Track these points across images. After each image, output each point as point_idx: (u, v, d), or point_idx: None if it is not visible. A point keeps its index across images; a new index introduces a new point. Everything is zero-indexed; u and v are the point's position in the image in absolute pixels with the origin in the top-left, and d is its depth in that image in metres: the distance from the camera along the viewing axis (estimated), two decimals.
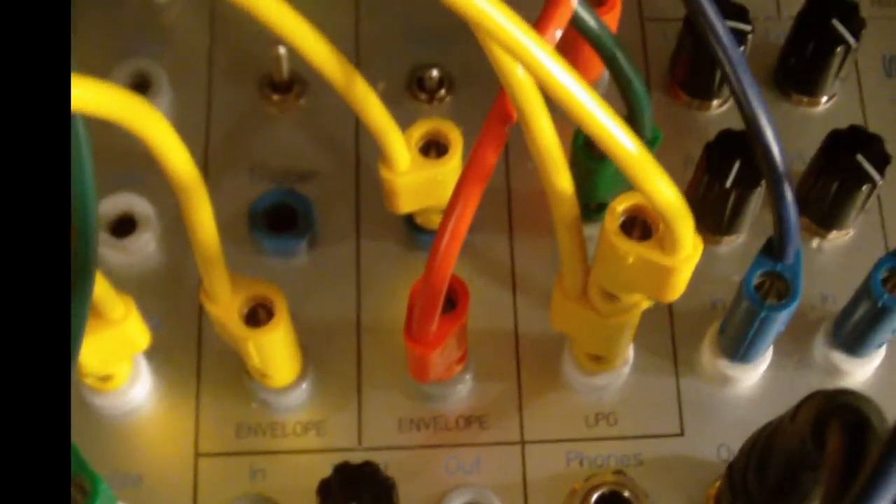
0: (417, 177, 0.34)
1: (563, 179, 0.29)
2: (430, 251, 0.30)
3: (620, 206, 0.30)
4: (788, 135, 0.40)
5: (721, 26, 0.31)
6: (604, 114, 0.26)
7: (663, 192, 0.27)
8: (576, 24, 0.31)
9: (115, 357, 0.35)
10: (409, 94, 0.41)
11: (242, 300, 0.33)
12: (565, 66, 0.25)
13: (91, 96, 0.23)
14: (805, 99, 0.41)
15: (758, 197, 0.36)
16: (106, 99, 0.24)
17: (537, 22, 0.29)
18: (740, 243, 0.39)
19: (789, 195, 0.32)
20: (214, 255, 0.31)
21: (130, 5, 0.42)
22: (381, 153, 0.34)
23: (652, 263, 0.29)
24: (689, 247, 0.29)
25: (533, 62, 0.24)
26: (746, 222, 0.38)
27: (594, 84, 0.40)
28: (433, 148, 0.35)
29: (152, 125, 0.25)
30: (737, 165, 0.36)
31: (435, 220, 0.37)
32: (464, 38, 0.28)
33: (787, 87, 0.41)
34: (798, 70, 0.40)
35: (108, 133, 0.37)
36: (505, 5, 0.23)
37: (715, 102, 0.40)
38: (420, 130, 0.35)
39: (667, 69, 0.41)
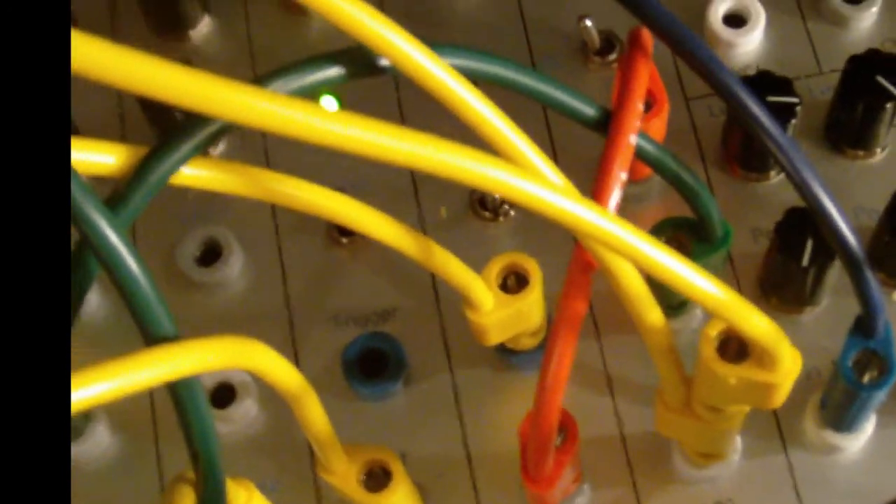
0: (503, 313, 0.35)
1: (653, 316, 0.30)
2: (534, 402, 0.31)
3: (713, 331, 0.30)
4: (848, 190, 0.40)
5: (767, 119, 0.31)
6: (684, 267, 0.26)
7: (757, 324, 0.28)
8: (638, 155, 0.31)
9: None
10: (473, 214, 0.41)
11: (359, 467, 0.34)
12: (633, 230, 0.25)
13: (196, 357, 0.24)
14: (860, 153, 0.41)
15: (836, 269, 0.37)
16: (207, 355, 0.24)
17: (600, 164, 0.30)
18: (824, 307, 0.39)
19: (868, 274, 0.32)
20: (328, 440, 0.32)
21: None
22: (464, 299, 0.34)
23: (754, 381, 0.30)
24: (788, 362, 0.30)
25: (602, 233, 0.25)
26: (828, 290, 0.38)
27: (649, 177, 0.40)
28: (512, 278, 0.36)
29: (254, 357, 0.26)
30: (810, 243, 0.36)
31: (524, 342, 0.38)
32: None
33: (840, 143, 0.41)
34: (849, 127, 0.40)
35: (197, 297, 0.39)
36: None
37: (773, 173, 0.41)
38: (496, 268, 0.35)
39: (719, 144, 0.41)
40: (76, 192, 0.23)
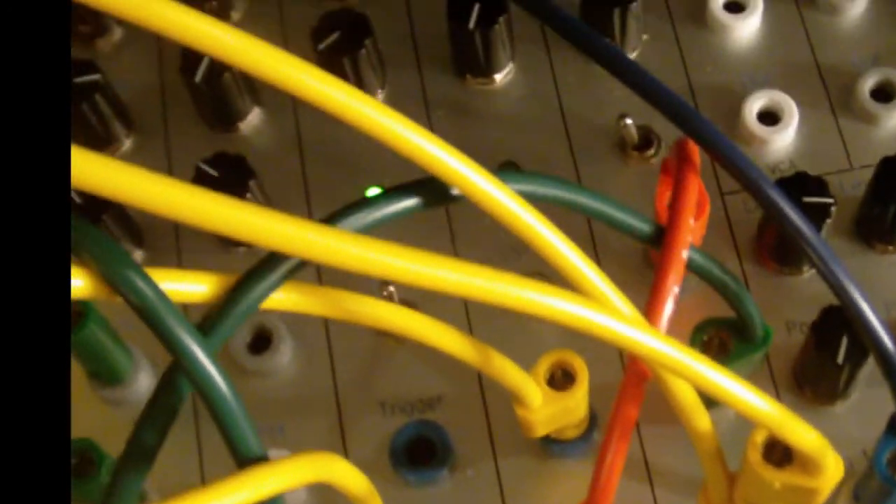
0: (550, 409, 0.37)
1: (702, 423, 0.31)
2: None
3: (759, 437, 0.32)
4: (879, 285, 0.42)
5: (803, 223, 0.33)
6: (737, 385, 0.28)
7: (803, 436, 0.29)
8: (689, 267, 0.33)
9: None
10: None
11: None
12: (692, 354, 0.27)
13: (285, 477, 0.25)
14: (890, 248, 0.42)
15: (870, 364, 0.38)
16: (294, 474, 0.26)
17: (655, 280, 0.31)
18: (857, 399, 0.41)
19: None
20: None
21: None
22: (514, 397, 0.36)
23: (798, 486, 0.31)
24: (831, 469, 0.31)
25: (668, 360, 0.26)
26: (861, 384, 0.40)
27: None
28: (559, 373, 0.37)
29: (333, 471, 0.28)
30: (845, 343, 0.38)
31: (568, 433, 0.39)
32: None
33: (871, 238, 0.42)
34: (880, 224, 0.41)
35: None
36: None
37: (806, 268, 0.42)
38: (545, 365, 0.37)
39: (754, 238, 0.43)
40: (170, 319, 0.24)
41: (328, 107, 0.25)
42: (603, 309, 0.26)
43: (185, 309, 0.26)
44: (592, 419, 0.40)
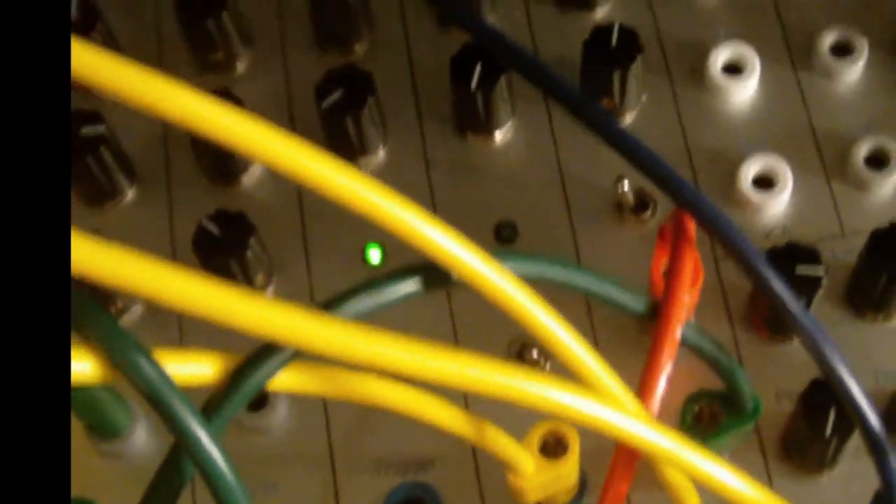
0: (542, 477, 0.37)
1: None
2: None
3: None
4: (869, 353, 0.42)
5: (791, 301, 0.34)
6: (733, 477, 0.28)
7: None
8: (683, 343, 0.33)
9: None
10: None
11: None
12: (693, 448, 0.27)
13: None
14: (881, 317, 0.43)
15: (857, 437, 0.39)
16: None
17: (649, 357, 0.32)
18: (843, 468, 0.41)
19: (888, 456, 0.34)
20: None
21: None
22: (507, 465, 0.36)
23: None
24: None
25: (657, 449, 0.27)
26: (849, 456, 0.40)
27: None
28: (551, 440, 0.37)
29: None
30: (832, 416, 0.38)
31: (558, 499, 0.40)
32: None
33: (861, 307, 0.43)
34: (871, 293, 0.42)
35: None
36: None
37: (797, 339, 0.42)
38: (538, 434, 0.37)
39: (746, 305, 0.43)
40: (175, 403, 0.25)
41: (327, 190, 0.25)
42: (603, 400, 0.26)
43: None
44: (582, 484, 0.40)
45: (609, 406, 0.26)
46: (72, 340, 0.25)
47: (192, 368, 0.26)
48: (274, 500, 0.41)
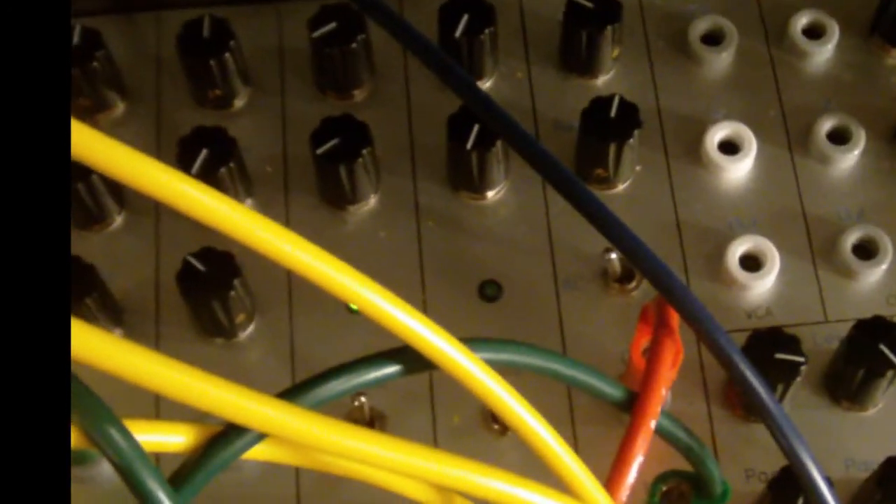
0: None
1: None
2: None
3: None
4: (840, 441, 0.43)
5: (765, 396, 0.34)
6: None
7: None
8: (656, 431, 0.34)
9: None
10: (484, 425, 0.43)
11: None
12: None
13: None
14: (856, 406, 0.43)
15: None
16: None
17: (622, 446, 0.32)
18: None
19: None
20: None
21: None
22: None
23: None
24: None
25: None
26: None
27: None
28: None
29: None
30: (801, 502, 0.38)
31: None
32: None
33: (837, 395, 0.43)
34: (848, 384, 0.42)
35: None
36: None
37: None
38: None
39: (724, 382, 0.44)
40: (144, 474, 0.25)
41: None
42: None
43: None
44: None
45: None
46: None
47: (166, 437, 0.26)
48: None
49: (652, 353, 0.34)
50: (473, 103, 0.38)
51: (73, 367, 0.25)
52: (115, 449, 0.25)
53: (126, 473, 0.25)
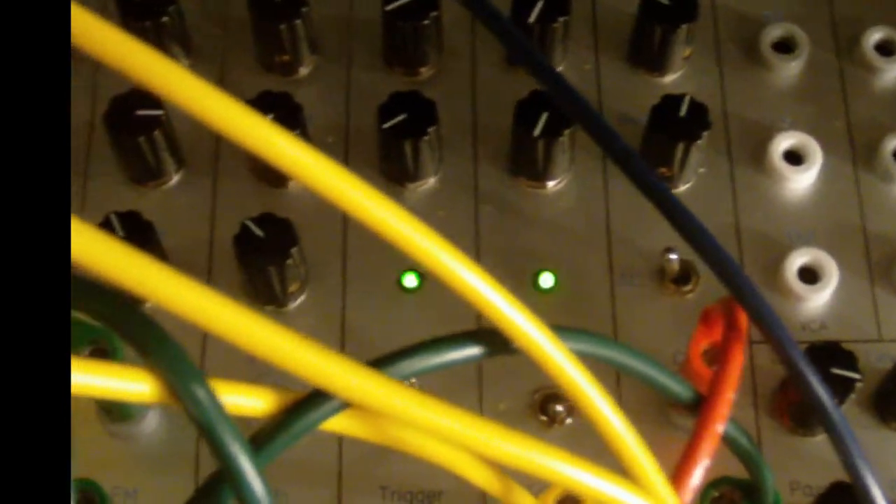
0: None
1: None
2: None
3: None
4: (887, 462, 0.42)
5: (826, 398, 0.34)
6: None
7: None
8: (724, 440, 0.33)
9: None
10: (531, 414, 0.43)
11: None
12: None
13: None
14: None
15: None
16: None
17: (688, 448, 0.32)
18: None
19: None
20: None
21: None
22: None
23: None
24: None
25: None
26: None
27: None
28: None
29: None
30: None
31: None
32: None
33: (887, 416, 0.43)
34: None
35: None
36: None
37: (819, 432, 0.42)
38: (554, 493, 0.37)
39: (775, 392, 0.43)
40: (223, 429, 0.25)
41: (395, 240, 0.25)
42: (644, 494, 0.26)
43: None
44: None
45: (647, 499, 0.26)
46: (135, 363, 0.25)
47: (247, 401, 0.26)
48: None
49: (723, 357, 0.33)
50: (555, 91, 0.37)
51: (160, 319, 0.25)
52: (197, 405, 0.24)
53: (207, 432, 0.25)
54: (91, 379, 0.24)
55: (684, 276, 0.45)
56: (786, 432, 0.43)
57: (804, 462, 0.42)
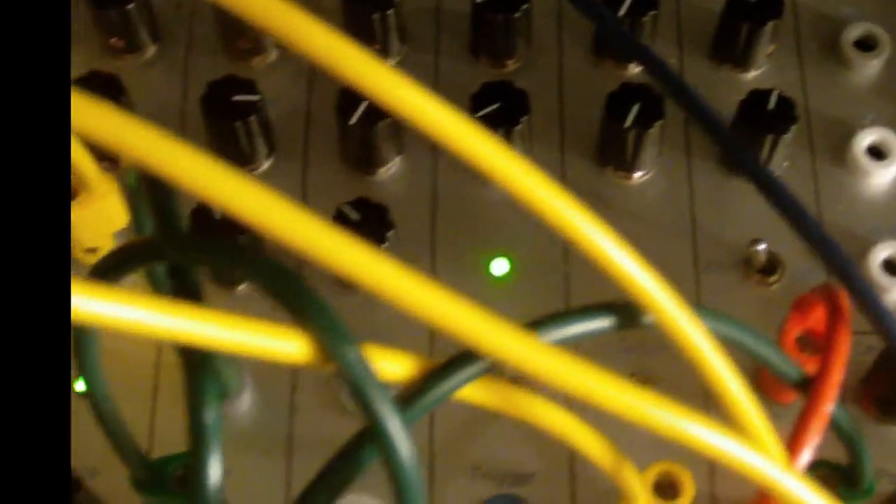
0: None
1: None
2: None
3: None
4: None
5: None
6: None
7: None
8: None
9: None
10: None
11: None
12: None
13: None
14: None
15: None
16: None
17: (798, 427, 0.32)
18: None
19: None
20: None
21: None
22: (622, 496, 0.37)
23: None
24: None
25: None
26: None
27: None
28: (665, 484, 0.38)
29: None
30: None
31: None
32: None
33: None
34: None
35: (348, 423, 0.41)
36: None
37: None
38: (654, 472, 0.38)
39: (861, 380, 0.44)
40: (373, 389, 0.26)
41: (538, 208, 0.26)
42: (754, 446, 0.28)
43: None
44: None
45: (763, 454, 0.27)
46: (289, 323, 0.25)
47: (392, 366, 0.27)
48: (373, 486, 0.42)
49: (830, 340, 0.34)
50: (661, 78, 0.38)
51: (313, 283, 0.26)
52: (350, 367, 0.25)
53: (358, 392, 0.25)
54: (244, 337, 0.24)
55: (770, 266, 0.46)
56: (871, 420, 0.44)
57: (889, 451, 0.43)
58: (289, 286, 0.26)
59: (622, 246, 0.27)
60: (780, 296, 0.45)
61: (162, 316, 0.23)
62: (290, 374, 0.45)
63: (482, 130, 0.24)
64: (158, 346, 0.45)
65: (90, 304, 0.21)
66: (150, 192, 0.29)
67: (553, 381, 0.26)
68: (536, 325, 0.28)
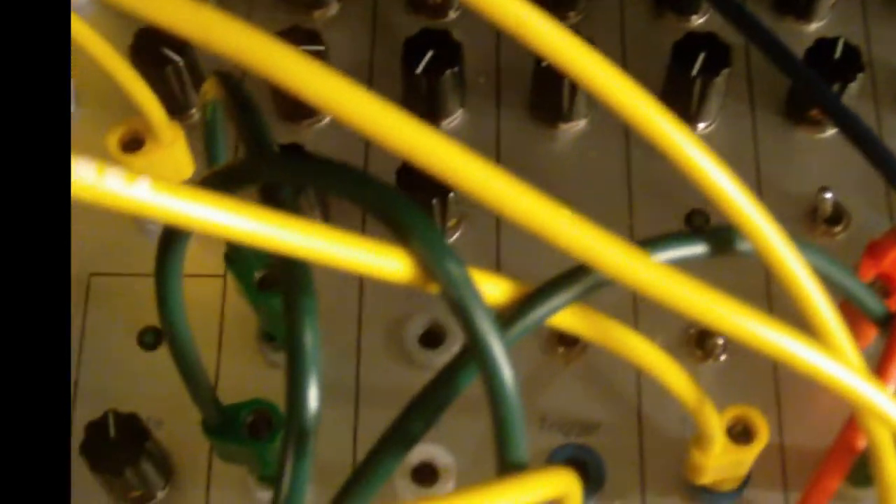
0: (725, 459, 0.38)
1: None
2: None
3: None
4: None
5: None
6: None
7: None
8: None
9: None
10: (685, 348, 0.44)
11: None
12: None
13: (540, 489, 0.27)
14: None
15: None
16: (544, 489, 0.27)
17: (884, 357, 0.32)
18: None
19: None
20: None
21: None
22: (699, 435, 0.37)
23: None
24: None
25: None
26: None
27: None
28: (739, 428, 0.38)
29: (572, 486, 0.29)
30: None
31: (724, 485, 0.40)
32: None
33: None
34: None
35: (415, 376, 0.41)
36: None
37: None
38: (730, 415, 0.38)
39: None
40: (475, 306, 0.26)
41: (653, 138, 0.26)
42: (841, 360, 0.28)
43: None
44: (748, 476, 0.41)
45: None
46: (392, 243, 0.25)
47: (492, 288, 0.27)
48: (437, 439, 0.42)
49: None
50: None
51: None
52: (453, 284, 0.25)
53: (461, 308, 0.25)
54: (347, 251, 0.24)
55: (836, 216, 0.45)
56: None
57: None
58: (393, 203, 0.26)
59: (730, 176, 0.26)
60: (846, 246, 0.45)
61: (273, 228, 0.23)
62: (356, 325, 0.45)
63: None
64: (223, 296, 0.45)
65: (207, 211, 0.21)
66: (240, 117, 0.29)
67: (667, 298, 0.26)
68: (646, 244, 0.28)
